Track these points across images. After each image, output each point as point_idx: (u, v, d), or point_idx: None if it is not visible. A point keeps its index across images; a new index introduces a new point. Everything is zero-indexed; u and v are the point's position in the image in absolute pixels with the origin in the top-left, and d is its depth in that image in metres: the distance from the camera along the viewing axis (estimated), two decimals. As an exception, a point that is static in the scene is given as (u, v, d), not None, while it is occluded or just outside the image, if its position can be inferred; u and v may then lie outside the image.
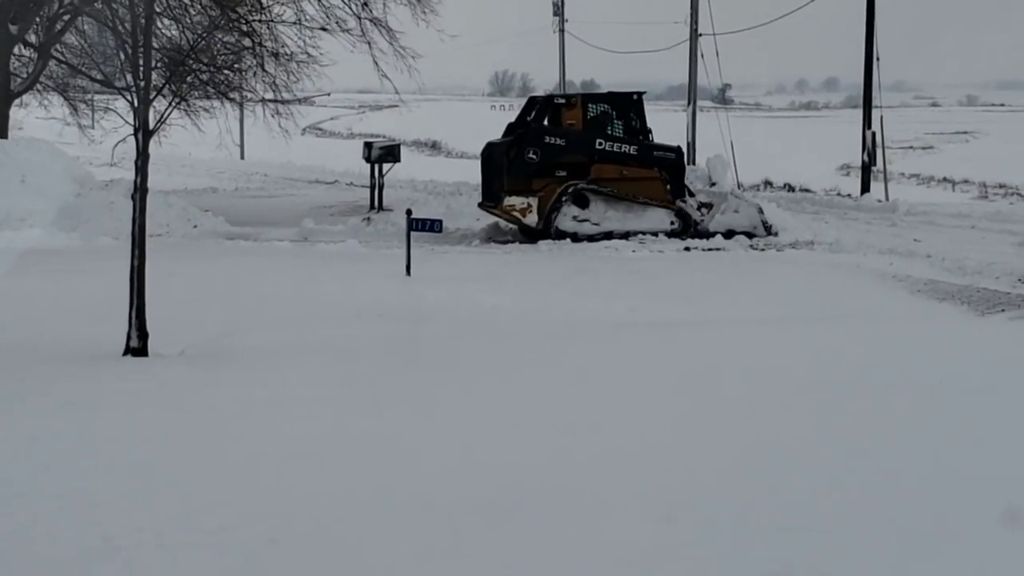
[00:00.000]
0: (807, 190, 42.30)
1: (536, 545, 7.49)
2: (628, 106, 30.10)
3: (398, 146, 39.76)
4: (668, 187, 29.34)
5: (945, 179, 52.42)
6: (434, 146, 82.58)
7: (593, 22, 65.55)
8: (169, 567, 7.16)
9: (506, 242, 28.75)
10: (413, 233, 22.08)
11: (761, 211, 29.52)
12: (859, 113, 42.12)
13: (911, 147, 71.29)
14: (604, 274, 22.52)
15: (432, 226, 22.68)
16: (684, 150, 30.63)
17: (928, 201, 38.71)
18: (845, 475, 9.02)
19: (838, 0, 44.71)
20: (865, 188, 39.54)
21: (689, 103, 46.05)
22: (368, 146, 38.11)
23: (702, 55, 44.97)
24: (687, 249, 27.18)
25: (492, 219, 31.29)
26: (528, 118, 30.06)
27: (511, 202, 28.66)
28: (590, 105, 29.76)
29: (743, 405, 11.34)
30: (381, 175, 37.26)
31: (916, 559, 7.40)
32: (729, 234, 28.55)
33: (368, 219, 33.53)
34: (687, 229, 28.75)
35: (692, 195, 30.16)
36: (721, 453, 9.64)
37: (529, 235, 28.53)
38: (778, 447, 9.84)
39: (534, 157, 28.83)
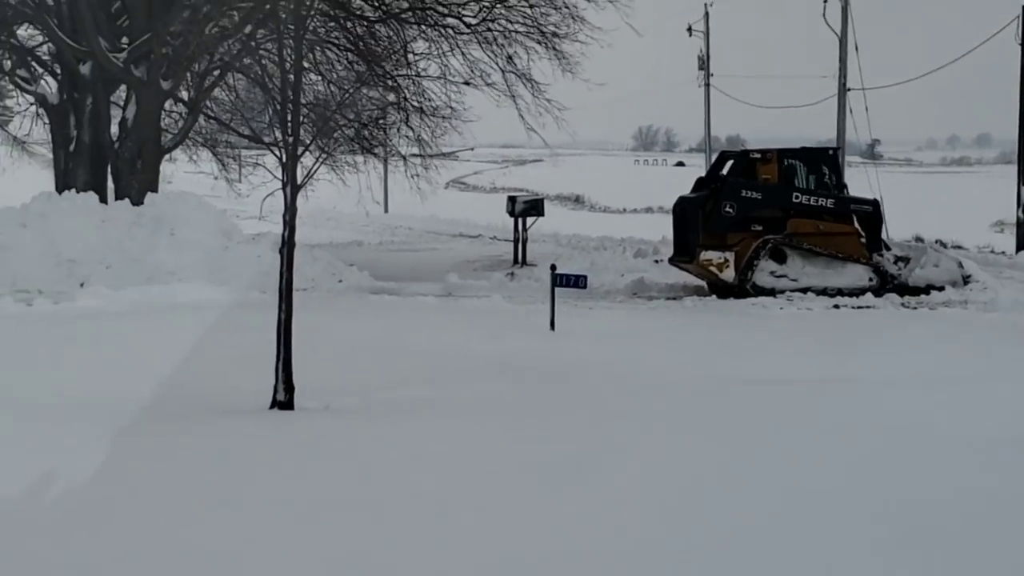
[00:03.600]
0: (959, 246, 41.51)
1: None
2: (823, 160, 30.04)
3: (542, 200, 39.81)
4: (864, 241, 29.04)
5: (1105, 239, 51.22)
6: (578, 200, 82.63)
7: (738, 76, 65.41)
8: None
9: (651, 298, 28.53)
10: (557, 288, 21.92)
11: (960, 265, 29.09)
12: (1013, 169, 41.38)
13: (1067, 204, 69.85)
14: (752, 331, 22.22)
15: (577, 282, 22.47)
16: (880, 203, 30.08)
17: (1088, 261, 37.78)
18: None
19: (990, 55, 44.03)
20: (1021, 246, 38.72)
21: (837, 158, 45.48)
22: (512, 200, 38.17)
23: (850, 110, 44.57)
24: (836, 307, 26.78)
25: (637, 274, 31.15)
26: (720, 172, 29.96)
27: (707, 257, 28.47)
28: (786, 159, 29.53)
29: (889, 465, 11.00)
30: (525, 229, 37.28)
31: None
32: (927, 289, 28.14)
33: (512, 274, 33.51)
34: (885, 284, 28.38)
35: (888, 248, 29.76)
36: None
37: (723, 291, 28.33)
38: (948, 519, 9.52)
39: (730, 211, 28.69)
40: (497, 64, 34.05)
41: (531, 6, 33.29)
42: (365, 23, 32.61)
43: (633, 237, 43.81)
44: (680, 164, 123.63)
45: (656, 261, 34.16)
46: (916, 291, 28.19)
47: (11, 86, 42.99)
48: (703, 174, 32.67)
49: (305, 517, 9.18)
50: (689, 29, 62.08)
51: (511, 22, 33.66)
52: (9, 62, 38.36)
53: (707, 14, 61.70)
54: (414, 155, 36.53)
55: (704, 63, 61.36)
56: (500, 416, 13.54)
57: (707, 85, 60.95)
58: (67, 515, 9.24)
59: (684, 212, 30.01)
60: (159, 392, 14.49)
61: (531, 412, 13.85)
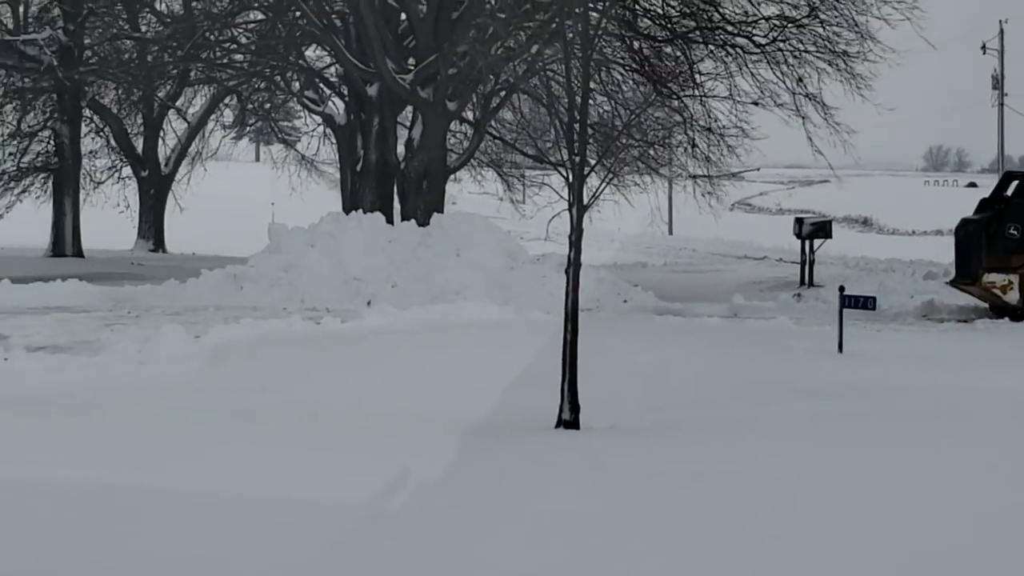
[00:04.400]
0: None
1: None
2: None
3: (830, 222, 39.22)
4: None
5: None
6: (865, 222, 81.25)
7: (1034, 95, 63.48)
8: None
9: (941, 320, 27.80)
10: (845, 310, 21.50)
11: None
12: None
13: None
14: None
15: (865, 303, 22.05)
16: None
17: None
18: None
19: None
20: None
21: None
22: (799, 222, 37.78)
23: None
24: None
25: (927, 296, 30.47)
26: (1005, 193, 29.19)
27: (991, 279, 27.80)
28: None
29: None
30: (812, 251, 36.79)
31: None
32: None
33: (799, 295, 33.10)
34: None
35: None
36: None
37: (1006, 314, 27.58)
38: None
39: (1015, 233, 27.92)
40: (786, 84, 33.68)
41: (822, 23, 32.84)
42: (652, 43, 32.61)
43: (923, 259, 42.82)
44: (972, 185, 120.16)
45: (947, 283, 33.36)
46: None
47: (299, 107, 44.39)
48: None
49: (595, 535, 9.10)
50: (983, 47, 60.63)
51: (801, 42, 33.26)
52: (298, 83, 39.59)
53: (1002, 31, 60.22)
54: (702, 176, 36.39)
55: (998, 82, 59.83)
56: (791, 437, 13.27)
57: (1001, 104, 59.41)
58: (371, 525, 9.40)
59: (967, 234, 29.26)
60: (451, 409, 14.60)
61: (823, 433, 13.56)
